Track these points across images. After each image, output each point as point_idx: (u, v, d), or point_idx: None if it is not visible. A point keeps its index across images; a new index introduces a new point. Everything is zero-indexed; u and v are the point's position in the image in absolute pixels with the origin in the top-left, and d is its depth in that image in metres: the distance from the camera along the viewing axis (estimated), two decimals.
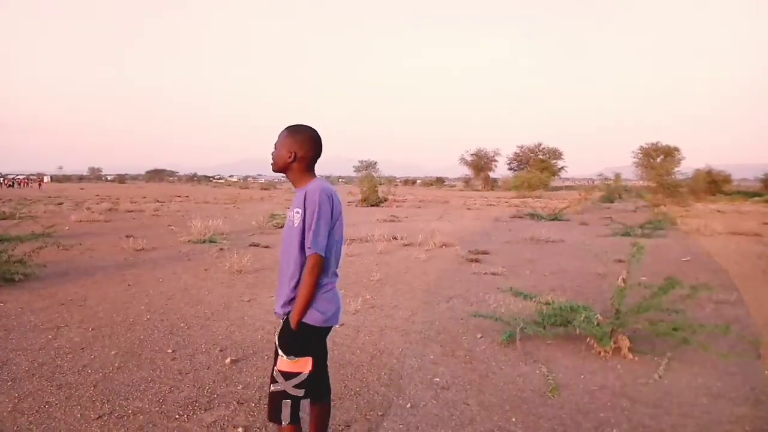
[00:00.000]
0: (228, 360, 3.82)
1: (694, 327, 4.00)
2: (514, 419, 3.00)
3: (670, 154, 44.99)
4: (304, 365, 2.09)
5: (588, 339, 4.15)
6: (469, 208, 23.15)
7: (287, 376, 2.08)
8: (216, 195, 36.06)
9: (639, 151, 47.51)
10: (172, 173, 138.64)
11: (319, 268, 2.02)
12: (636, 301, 4.27)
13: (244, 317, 4.97)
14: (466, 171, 69.63)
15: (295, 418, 2.11)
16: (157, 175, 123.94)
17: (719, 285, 6.17)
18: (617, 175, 35.92)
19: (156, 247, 9.37)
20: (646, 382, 3.53)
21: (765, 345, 4.22)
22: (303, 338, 2.08)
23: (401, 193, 35.09)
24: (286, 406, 2.08)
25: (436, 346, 4.25)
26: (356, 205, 23.79)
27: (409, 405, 3.18)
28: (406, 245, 10.01)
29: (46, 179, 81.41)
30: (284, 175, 2.20)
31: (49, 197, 28.98)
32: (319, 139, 2.19)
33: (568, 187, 60.90)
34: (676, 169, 35.62)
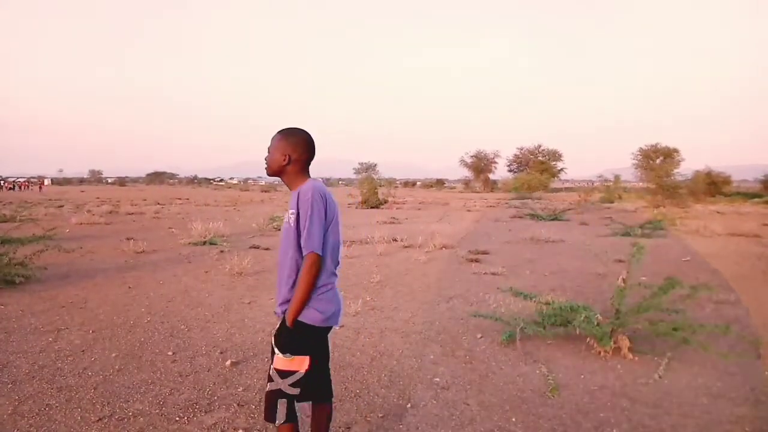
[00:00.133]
0: (228, 362, 3.82)
1: (694, 327, 4.00)
2: (514, 419, 3.00)
3: (669, 155, 45.00)
4: (300, 364, 2.09)
5: (588, 339, 4.15)
6: (469, 210, 23.15)
7: (283, 374, 2.08)
8: (216, 197, 36.07)
9: (638, 153, 47.55)
10: (172, 176, 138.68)
11: (316, 267, 2.02)
12: (636, 301, 4.27)
13: (244, 319, 4.97)
14: (466, 173, 69.65)
15: (291, 416, 2.11)
16: (157, 177, 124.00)
17: (719, 285, 6.17)
18: (617, 177, 35.95)
19: (156, 250, 9.38)
20: (646, 382, 3.54)
21: (765, 345, 4.22)
22: (300, 337, 2.08)
23: (401, 195, 35.11)
24: (282, 405, 2.08)
25: (436, 346, 4.25)
26: (356, 207, 23.79)
27: (409, 405, 3.18)
28: (406, 247, 10.02)
29: (46, 182, 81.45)
30: (279, 178, 2.21)
31: (50, 200, 28.99)
32: (312, 141, 2.21)
33: (567, 189, 60.90)
34: (675, 170, 35.64)
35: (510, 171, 65.36)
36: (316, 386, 2.19)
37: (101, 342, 4.26)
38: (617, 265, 7.27)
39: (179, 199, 32.38)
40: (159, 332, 4.54)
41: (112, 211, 19.59)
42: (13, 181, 68.02)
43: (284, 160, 2.15)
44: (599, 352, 4.02)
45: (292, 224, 2.07)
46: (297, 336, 2.08)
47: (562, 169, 64.06)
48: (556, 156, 64.15)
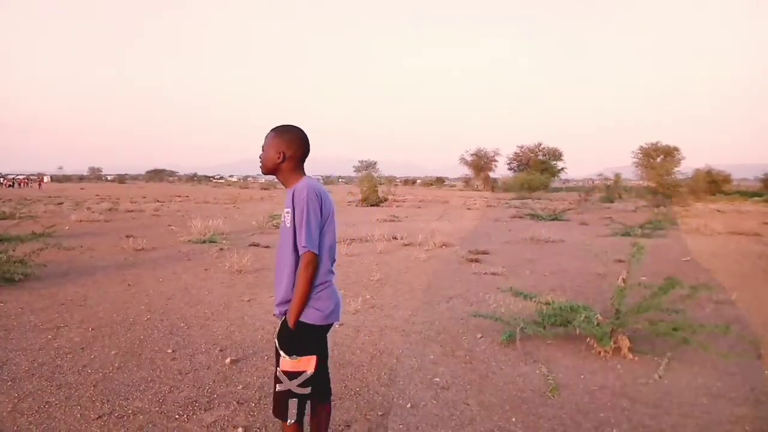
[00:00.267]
0: (228, 360, 3.82)
1: (694, 327, 4.00)
2: (514, 419, 3.00)
3: (669, 154, 45.00)
4: (307, 364, 2.09)
5: (588, 339, 4.15)
6: (469, 208, 23.16)
7: (291, 375, 2.08)
8: (216, 195, 36.07)
9: (639, 152, 47.53)
10: (172, 173, 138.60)
11: (314, 266, 2.01)
12: (636, 301, 4.27)
13: (244, 317, 4.97)
14: (466, 171, 69.64)
15: (300, 416, 2.12)
16: (157, 175, 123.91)
17: (719, 285, 6.16)
18: (617, 176, 35.94)
19: (156, 247, 9.38)
20: (646, 382, 3.53)
21: (765, 345, 4.22)
22: (303, 337, 2.08)
23: (401, 193, 35.11)
24: (293, 405, 2.09)
25: (436, 346, 4.25)
26: (356, 205, 23.79)
27: (409, 405, 3.18)
28: (406, 245, 10.01)
29: (46, 179, 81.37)
30: (274, 176, 2.19)
31: (49, 197, 28.98)
32: (307, 138, 2.19)
33: (568, 188, 60.88)
34: (675, 169, 35.62)
35: (510, 169, 65.36)
36: (318, 385, 2.19)
37: (101, 339, 4.26)
38: (617, 265, 7.26)
39: (179, 196, 32.36)
40: (158, 330, 4.54)
41: (112, 208, 19.58)
42: (13, 179, 67.94)
43: (279, 157, 2.13)
44: (599, 352, 4.02)
45: (288, 224, 2.06)
46: (300, 337, 2.07)
47: (562, 168, 64.05)
48: (556, 155, 64.12)
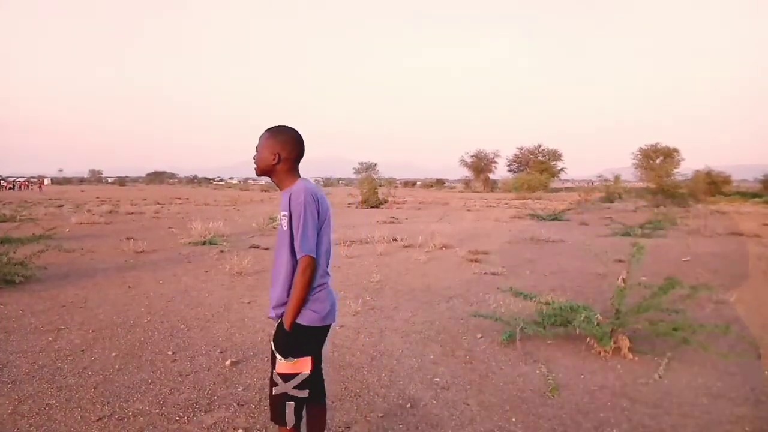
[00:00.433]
0: (228, 362, 3.82)
1: (694, 327, 4.00)
2: (514, 419, 3.00)
3: (669, 155, 45.03)
4: (303, 366, 2.08)
5: (588, 339, 4.15)
6: (469, 210, 23.16)
7: (286, 377, 2.07)
8: (216, 197, 36.07)
9: (638, 153, 47.56)
10: (172, 175, 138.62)
11: (311, 270, 2.01)
12: (636, 301, 4.27)
13: (244, 319, 4.97)
14: (466, 172, 69.71)
15: (299, 418, 2.11)
16: (157, 177, 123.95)
17: (719, 285, 6.16)
18: (617, 177, 35.94)
19: (156, 249, 9.38)
20: (646, 382, 3.54)
21: (765, 345, 4.22)
22: (299, 339, 2.07)
23: (401, 195, 35.12)
24: (290, 408, 2.08)
25: (436, 346, 4.25)
26: (356, 207, 23.80)
27: (409, 405, 3.18)
28: (406, 247, 10.02)
29: (46, 182, 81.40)
30: (269, 178, 2.18)
31: (50, 200, 28.99)
32: (301, 138, 2.18)
33: (567, 189, 60.92)
34: (675, 170, 35.65)
35: (510, 171, 65.41)
36: (314, 387, 2.19)
37: (101, 341, 4.26)
38: (617, 265, 7.26)
39: (179, 198, 32.38)
40: (159, 332, 4.54)
41: (112, 210, 19.59)
42: (13, 181, 67.93)
43: (274, 159, 2.12)
44: (599, 352, 4.02)
45: (285, 227, 2.05)
46: (296, 339, 2.06)
47: (562, 169, 64.08)
48: (556, 156, 64.17)
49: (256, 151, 2.18)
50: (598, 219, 17.35)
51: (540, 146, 65.33)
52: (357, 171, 74.77)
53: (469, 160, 67.06)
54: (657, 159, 45.47)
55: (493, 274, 7.29)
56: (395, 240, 10.76)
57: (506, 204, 28.59)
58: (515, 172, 62.59)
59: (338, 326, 4.70)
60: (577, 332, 4.10)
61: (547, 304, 4.58)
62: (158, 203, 26.05)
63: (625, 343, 3.99)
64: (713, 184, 36.68)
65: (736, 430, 2.92)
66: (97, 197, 33.51)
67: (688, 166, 44.83)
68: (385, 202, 24.91)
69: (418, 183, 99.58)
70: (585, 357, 4.01)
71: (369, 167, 73.72)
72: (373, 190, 24.66)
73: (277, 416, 2.11)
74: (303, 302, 2.03)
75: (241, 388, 3.38)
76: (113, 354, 3.97)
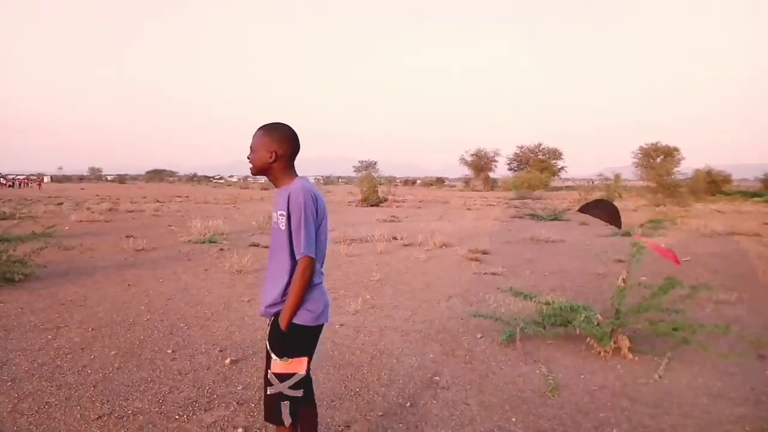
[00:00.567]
0: (228, 360, 3.82)
1: (694, 327, 4.00)
2: (514, 419, 3.00)
3: (669, 154, 45.03)
4: (298, 366, 2.08)
5: (588, 339, 4.15)
6: (469, 209, 23.15)
7: (282, 377, 2.07)
8: (216, 195, 36.08)
9: (639, 152, 47.56)
10: (172, 173, 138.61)
11: (311, 271, 2.01)
12: (636, 301, 4.27)
13: (244, 317, 4.96)
14: (466, 171, 69.72)
15: (294, 417, 2.11)
16: (157, 175, 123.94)
17: (719, 285, 6.16)
18: (617, 176, 35.92)
19: (156, 247, 9.37)
20: (646, 382, 3.53)
21: (765, 345, 4.22)
22: (295, 339, 2.07)
23: (401, 194, 35.09)
24: (285, 407, 2.07)
25: (436, 345, 4.25)
26: (356, 206, 23.78)
27: (408, 404, 3.18)
28: (406, 245, 10.01)
29: (46, 179, 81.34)
30: (265, 176, 2.16)
31: (49, 197, 28.98)
32: (296, 135, 2.16)
33: (568, 188, 60.94)
34: (675, 169, 35.62)
35: (510, 169, 65.46)
36: (307, 387, 2.18)
37: (101, 340, 4.26)
38: (617, 265, 7.26)
39: (179, 196, 32.36)
40: (158, 330, 4.54)
41: (112, 208, 19.58)
42: (12, 179, 67.85)
43: (270, 157, 2.10)
44: (599, 352, 4.02)
45: (283, 227, 2.04)
46: (292, 338, 2.06)
47: (562, 168, 64.11)
48: (556, 154, 64.21)
49: (251, 150, 2.15)
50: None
51: (540, 145, 65.38)
52: (357, 169, 74.79)
53: (469, 158, 67.07)
54: (657, 158, 45.47)
55: (493, 273, 7.29)
56: (395, 239, 10.75)
57: (506, 203, 28.58)
58: (515, 170, 62.62)
59: (338, 325, 4.70)
60: (577, 332, 4.10)
61: (547, 304, 4.58)
62: (158, 201, 26.04)
63: (625, 343, 3.99)
64: (713, 183, 36.66)
65: (736, 430, 2.92)
66: (97, 195, 33.50)
67: (688, 165, 44.91)
68: (385, 201, 24.90)
69: (418, 181, 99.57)
70: (585, 357, 4.00)
71: (369, 165, 73.76)
72: (373, 189, 24.65)
73: (272, 416, 2.10)
74: (301, 302, 2.02)
75: (240, 387, 3.38)
76: (113, 352, 3.97)
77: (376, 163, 75.16)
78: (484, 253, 9.16)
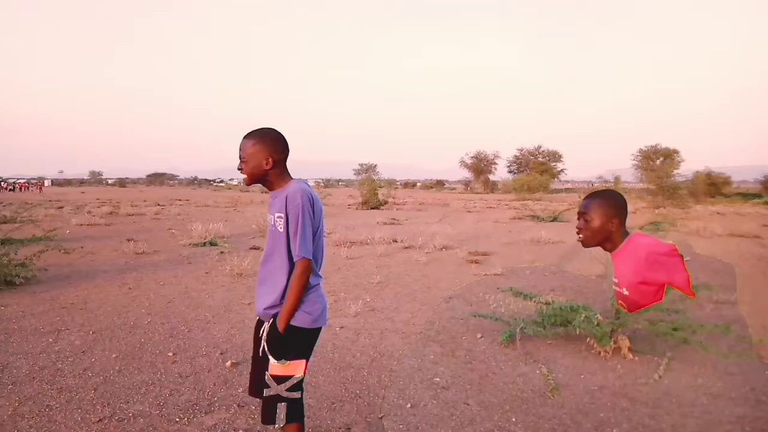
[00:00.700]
0: (228, 363, 3.83)
1: (694, 327, 4.01)
2: (514, 419, 3.00)
3: (669, 156, 45.09)
4: (296, 368, 2.08)
5: (588, 339, 4.15)
6: (469, 211, 23.16)
7: (279, 380, 2.07)
8: (216, 198, 36.07)
9: (638, 154, 47.62)
10: (172, 177, 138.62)
11: (309, 273, 2.02)
12: None
13: (244, 320, 4.97)
14: (466, 174, 69.78)
15: (298, 416, 2.11)
16: (157, 178, 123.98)
17: (719, 285, 6.17)
18: (617, 178, 35.96)
19: (157, 251, 9.38)
20: (646, 382, 3.54)
21: (765, 346, 4.22)
22: (293, 341, 2.07)
23: (401, 196, 35.12)
24: (281, 409, 2.07)
25: (436, 346, 4.25)
26: (356, 208, 23.79)
27: (409, 405, 3.18)
28: (406, 248, 10.02)
29: (46, 183, 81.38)
30: (260, 184, 2.13)
31: (50, 201, 28.99)
32: (284, 136, 2.14)
33: (568, 190, 60.98)
34: (675, 171, 35.67)
35: (510, 172, 65.48)
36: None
37: (101, 343, 4.26)
38: None
39: (179, 200, 32.38)
40: (159, 333, 4.54)
41: (113, 212, 19.58)
42: (13, 182, 67.85)
43: (267, 164, 2.07)
44: (599, 352, 4.02)
45: (281, 229, 2.04)
46: (290, 341, 2.06)
47: (562, 170, 64.15)
48: (556, 157, 64.25)
49: (243, 160, 2.10)
50: None
51: (540, 147, 65.42)
52: (357, 172, 74.85)
53: (469, 161, 67.14)
54: (657, 160, 45.53)
55: (494, 275, 7.29)
56: (395, 241, 10.76)
57: (506, 205, 28.59)
58: (515, 173, 62.66)
59: (338, 327, 4.71)
60: (577, 332, 4.10)
61: (547, 304, 4.59)
62: (158, 204, 26.05)
63: (625, 343, 3.99)
64: (713, 185, 36.69)
65: (736, 430, 2.92)
66: (98, 198, 33.50)
67: (688, 167, 45.04)
68: (385, 204, 24.91)
69: (419, 184, 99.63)
70: (585, 357, 4.01)
71: (369, 168, 73.82)
72: (373, 192, 24.65)
73: (268, 416, 2.10)
74: (298, 305, 2.03)
75: (241, 390, 3.38)
76: (114, 355, 3.98)
77: (376, 165, 75.23)
78: (485, 254, 9.17)
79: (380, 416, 3.05)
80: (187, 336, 4.48)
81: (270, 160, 2.07)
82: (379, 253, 9.09)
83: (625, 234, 2.04)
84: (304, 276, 2.01)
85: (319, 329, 2.14)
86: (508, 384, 3.51)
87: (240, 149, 2.11)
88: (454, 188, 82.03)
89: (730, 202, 30.47)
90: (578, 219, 2.11)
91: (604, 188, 2.30)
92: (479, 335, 4.51)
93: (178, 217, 17.82)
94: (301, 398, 2.13)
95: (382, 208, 23.95)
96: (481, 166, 66.68)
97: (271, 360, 2.06)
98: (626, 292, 2.04)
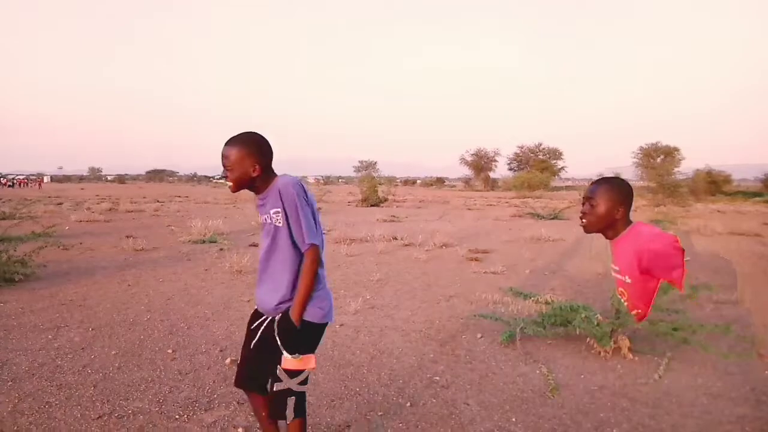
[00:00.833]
0: (228, 360, 3.82)
1: (694, 327, 4.00)
2: (514, 419, 3.00)
3: (670, 154, 45.09)
4: (308, 362, 2.10)
5: (588, 339, 4.15)
6: (469, 209, 23.15)
7: (292, 374, 2.08)
8: (216, 195, 36.04)
9: (639, 152, 47.61)
10: (172, 173, 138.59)
11: (318, 259, 2.05)
12: None
13: (244, 317, 4.96)
14: (467, 171, 69.78)
15: (302, 411, 2.14)
16: (157, 175, 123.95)
17: (719, 285, 6.16)
18: (617, 175, 35.93)
19: (156, 247, 9.38)
20: (646, 382, 3.53)
21: (766, 346, 4.22)
22: (306, 335, 2.10)
23: (401, 194, 35.10)
24: (291, 403, 2.09)
25: (436, 345, 4.25)
26: (356, 205, 23.78)
27: (408, 403, 3.18)
28: (406, 245, 10.01)
29: (45, 179, 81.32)
30: (248, 189, 2.12)
31: (49, 197, 28.97)
32: (267, 139, 2.13)
33: (568, 187, 60.99)
34: (676, 169, 35.66)
35: (510, 169, 65.49)
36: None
37: (101, 340, 4.26)
38: None
39: (179, 196, 32.37)
40: (159, 330, 4.54)
41: (112, 208, 19.57)
42: (12, 178, 67.78)
43: (255, 171, 2.05)
44: (599, 352, 4.02)
45: (281, 224, 2.04)
46: (304, 335, 2.09)
47: (562, 168, 64.13)
48: (556, 154, 64.23)
49: (228, 168, 2.06)
50: None
51: (540, 145, 65.40)
52: (357, 169, 74.84)
53: (469, 158, 67.11)
54: (657, 158, 45.53)
55: (494, 273, 7.29)
56: (395, 238, 10.75)
57: (506, 203, 28.59)
58: (515, 170, 62.65)
59: (338, 325, 4.70)
60: (577, 332, 4.10)
61: (547, 303, 4.58)
62: (158, 201, 26.05)
63: (625, 343, 3.99)
64: (714, 183, 36.70)
65: (736, 430, 2.92)
66: (97, 195, 33.49)
67: (688, 165, 45.06)
68: (385, 201, 24.90)
69: (419, 181, 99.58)
70: (585, 357, 4.01)
71: (369, 166, 73.82)
72: (373, 189, 24.64)
73: (277, 412, 2.11)
74: (310, 295, 2.05)
75: None
76: (113, 352, 3.97)
77: (376, 163, 75.22)
78: (485, 252, 9.16)
79: (380, 414, 3.05)
80: (186, 333, 4.47)
81: (257, 167, 2.05)
82: (379, 251, 9.09)
83: (628, 223, 2.04)
84: (315, 264, 2.02)
85: (326, 325, 2.16)
86: (508, 384, 3.50)
87: (223, 157, 2.06)
88: (454, 186, 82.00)
89: (730, 201, 30.48)
90: (583, 204, 2.10)
91: (613, 176, 2.30)
92: (479, 335, 4.51)
93: (178, 213, 17.81)
94: (304, 393, 2.16)
95: (382, 205, 23.94)
96: (481, 163, 66.68)
97: (285, 354, 2.06)
98: (629, 280, 2.04)
